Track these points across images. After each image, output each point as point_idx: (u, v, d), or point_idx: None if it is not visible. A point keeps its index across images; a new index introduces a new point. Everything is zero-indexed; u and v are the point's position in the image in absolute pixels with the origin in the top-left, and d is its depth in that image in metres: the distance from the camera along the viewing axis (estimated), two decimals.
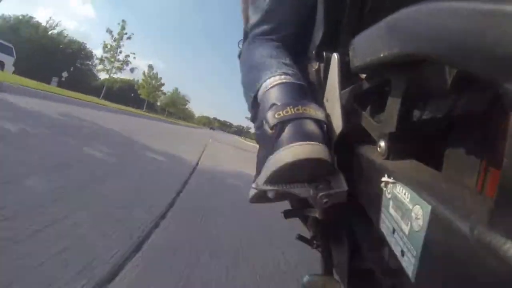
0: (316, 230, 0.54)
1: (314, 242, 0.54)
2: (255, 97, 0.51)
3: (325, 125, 0.42)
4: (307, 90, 0.46)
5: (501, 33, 0.14)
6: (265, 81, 0.49)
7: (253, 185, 0.42)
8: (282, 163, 0.37)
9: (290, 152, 0.37)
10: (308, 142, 0.37)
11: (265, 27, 0.59)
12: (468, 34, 0.16)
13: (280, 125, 0.40)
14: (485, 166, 0.23)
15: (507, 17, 0.14)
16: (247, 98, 0.56)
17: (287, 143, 0.38)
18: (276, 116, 0.40)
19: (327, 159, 0.37)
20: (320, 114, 0.41)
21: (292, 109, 0.40)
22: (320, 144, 0.38)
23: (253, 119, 0.52)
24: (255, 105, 0.54)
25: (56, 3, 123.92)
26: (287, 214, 0.55)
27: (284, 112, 0.40)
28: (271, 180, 0.39)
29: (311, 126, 0.40)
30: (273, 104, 0.42)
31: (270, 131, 0.41)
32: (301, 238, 0.56)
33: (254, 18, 0.62)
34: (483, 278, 0.15)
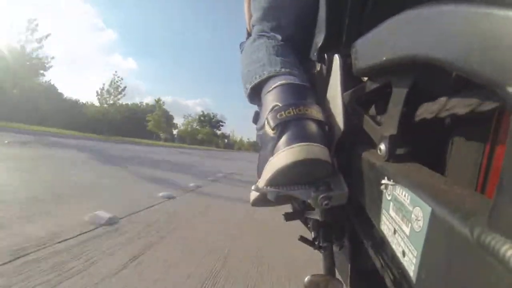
0: (318, 231, 0.54)
1: (316, 243, 0.54)
2: (253, 88, 0.52)
3: (326, 127, 0.43)
4: (310, 91, 0.46)
5: (503, 36, 0.14)
6: (268, 77, 0.49)
7: (253, 188, 0.42)
8: (282, 164, 0.37)
9: (291, 153, 0.37)
10: (308, 143, 0.38)
11: (267, 25, 0.59)
12: (470, 37, 0.16)
13: (282, 126, 0.40)
14: (485, 167, 0.23)
15: (509, 20, 0.14)
16: (245, 90, 0.56)
17: (288, 144, 0.38)
18: (278, 117, 0.40)
19: (327, 160, 0.38)
20: (321, 116, 0.41)
21: (293, 110, 0.40)
22: (321, 145, 0.38)
23: (255, 120, 0.52)
24: (253, 97, 0.54)
25: (103, 65, 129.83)
26: (288, 216, 0.56)
27: (286, 113, 0.40)
28: (271, 182, 0.39)
29: (312, 127, 0.40)
30: (275, 105, 0.43)
31: (271, 132, 0.41)
32: (303, 239, 0.56)
33: (256, 15, 0.62)
34: (483, 278, 0.15)
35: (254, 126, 0.51)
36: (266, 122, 0.43)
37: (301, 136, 0.38)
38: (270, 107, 0.43)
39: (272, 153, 0.40)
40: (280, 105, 0.42)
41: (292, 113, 0.40)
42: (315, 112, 0.41)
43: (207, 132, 55.26)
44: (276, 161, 0.39)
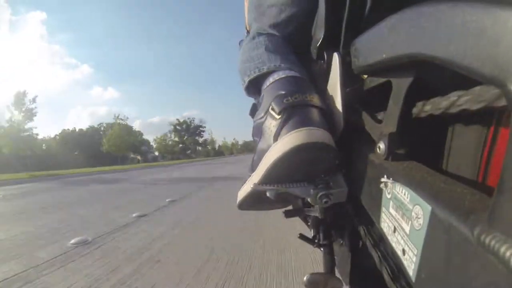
0: (318, 229, 0.54)
1: (316, 241, 0.54)
2: (251, 81, 0.52)
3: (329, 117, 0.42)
4: (312, 85, 0.46)
5: (504, 33, 0.14)
6: (268, 72, 0.49)
7: (252, 185, 0.41)
8: (289, 147, 0.37)
9: (296, 136, 0.37)
10: (317, 128, 0.37)
11: (265, 23, 0.59)
12: (470, 35, 0.16)
13: (289, 111, 0.40)
14: (485, 165, 0.23)
15: (510, 17, 0.14)
16: (242, 83, 0.56)
17: (295, 128, 0.38)
18: (284, 101, 0.40)
19: (333, 146, 0.38)
20: (325, 106, 0.41)
21: (301, 96, 0.40)
22: (327, 131, 0.38)
23: (252, 112, 0.52)
24: (250, 90, 0.54)
25: (82, 99, 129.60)
26: (288, 213, 0.56)
27: (292, 98, 0.40)
28: (274, 168, 0.39)
29: (319, 115, 0.40)
30: (280, 93, 0.42)
31: (277, 117, 0.41)
32: (302, 237, 0.56)
33: (254, 13, 0.62)
34: (483, 277, 0.15)
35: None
36: (270, 108, 0.42)
37: (309, 121, 0.38)
38: (275, 95, 0.43)
39: (276, 138, 0.40)
40: (285, 92, 0.42)
41: (299, 99, 0.40)
42: (320, 102, 0.41)
43: (161, 142, 42.09)
44: (280, 145, 0.38)
